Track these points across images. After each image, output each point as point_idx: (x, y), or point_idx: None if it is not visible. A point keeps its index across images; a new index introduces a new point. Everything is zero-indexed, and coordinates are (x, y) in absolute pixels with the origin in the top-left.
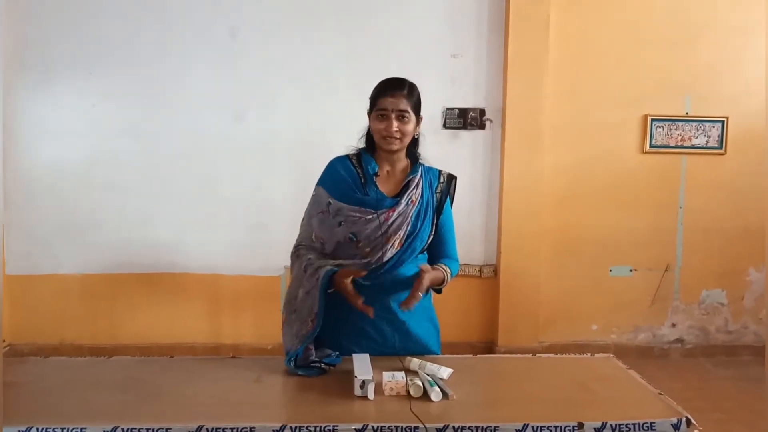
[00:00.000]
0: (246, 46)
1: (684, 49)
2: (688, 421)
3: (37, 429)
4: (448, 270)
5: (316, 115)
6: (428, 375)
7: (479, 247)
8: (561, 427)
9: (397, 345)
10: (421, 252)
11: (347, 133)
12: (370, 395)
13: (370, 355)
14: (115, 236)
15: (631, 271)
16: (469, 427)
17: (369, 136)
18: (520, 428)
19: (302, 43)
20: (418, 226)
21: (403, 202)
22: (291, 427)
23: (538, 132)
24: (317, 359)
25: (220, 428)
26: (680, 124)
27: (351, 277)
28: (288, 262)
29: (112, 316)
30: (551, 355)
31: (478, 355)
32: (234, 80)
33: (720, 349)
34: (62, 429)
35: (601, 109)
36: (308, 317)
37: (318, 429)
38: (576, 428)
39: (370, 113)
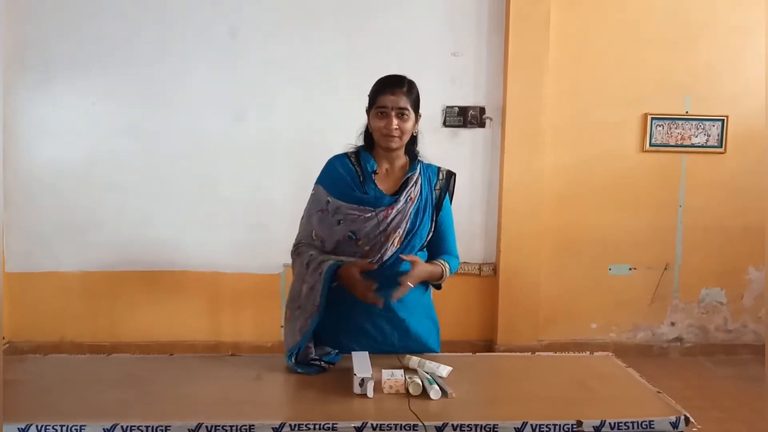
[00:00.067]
0: (246, 46)
1: (684, 49)
2: (687, 420)
3: (37, 426)
4: (447, 265)
5: (316, 115)
6: (427, 373)
7: (479, 246)
8: (560, 425)
9: (396, 343)
10: (421, 249)
11: (347, 133)
12: (370, 393)
13: (369, 353)
14: (115, 236)
15: (630, 269)
16: (468, 426)
17: (368, 134)
18: (519, 426)
19: (302, 43)
20: (417, 223)
21: (402, 199)
22: (290, 425)
23: (538, 131)
24: (317, 357)
25: (219, 426)
26: (680, 122)
27: (360, 270)
28: (288, 260)
29: (112, 313)
30: (550, 353)
31: (477, 354)
32: (234, 80)
33: (719, 347)
34: (62, 426)
35: (601, 109)
36: (312, 311)
37: (317, 427)
38: (575, 426)
39: (369, 111)
